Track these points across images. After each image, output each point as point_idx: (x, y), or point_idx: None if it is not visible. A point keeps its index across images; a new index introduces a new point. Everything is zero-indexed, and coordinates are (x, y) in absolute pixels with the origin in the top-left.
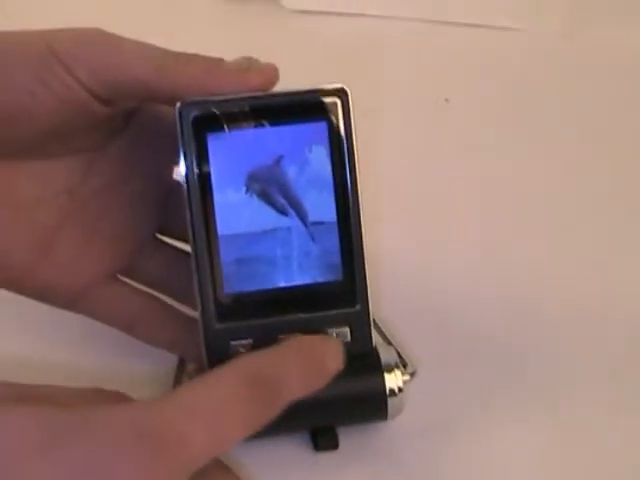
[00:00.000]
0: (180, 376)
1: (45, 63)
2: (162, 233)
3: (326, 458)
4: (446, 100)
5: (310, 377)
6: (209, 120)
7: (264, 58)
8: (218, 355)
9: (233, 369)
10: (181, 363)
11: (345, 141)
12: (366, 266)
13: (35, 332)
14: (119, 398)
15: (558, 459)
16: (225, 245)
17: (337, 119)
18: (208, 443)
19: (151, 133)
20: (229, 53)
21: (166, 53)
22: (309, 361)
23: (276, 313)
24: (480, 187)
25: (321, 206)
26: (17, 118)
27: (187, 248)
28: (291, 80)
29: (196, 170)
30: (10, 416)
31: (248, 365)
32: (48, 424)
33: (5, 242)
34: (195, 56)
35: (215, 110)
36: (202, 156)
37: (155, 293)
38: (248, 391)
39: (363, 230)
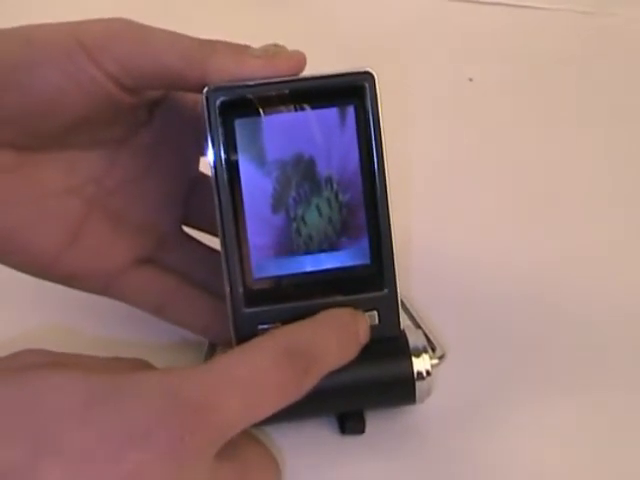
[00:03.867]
0: (210, 359)
1: (73, 58)
2: (187, 224)
3: (353, 442)
4: (470, 80)
5: (344, 347)
6: (236, 105)
7: (288, 44)
8: (247, 339)
9: (271, 339)
10: (211, 347)
11: (372, 124)
12: (394, 249)
13: (66, 305)
14: (142, 365)
15: (585, 440)
16: (253, 230)
17: (365, 102)
18: (243, 411)
19: (175, 125)
20: (249, 39)
21: (193, 41)
22: (344, 332)
23: (304, 297)
24: (507, 166)
25: (349, 190)
26: (44, 113)
27: (212, 241)
28: (315, 65)
29: (224, 155)
30: (52, 380)
31: (286, 335)
32: (87, 387)
33: (34, 232)
34: (222, 43)
35: (242, 95)
36: (230, 141)
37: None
38: (286, 360)
39: (391, 213)
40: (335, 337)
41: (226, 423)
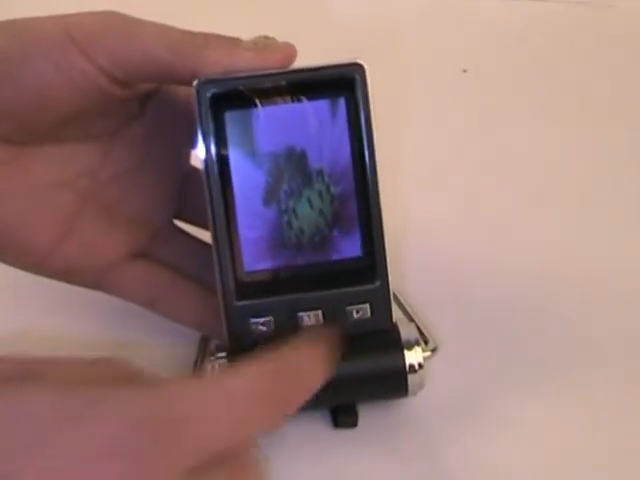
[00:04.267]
0: (202, 353)
1: (64, 52)
2: (179, 218)
3: (346, 435)
4: (464, 71)
5: (322, 375)
6: (227, 98)
7: (279, 36)
8: (239, 332)
9: (252, 365)
10: (203, 340)
11: (363, 116)
12: (386, 242)
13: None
14: (127, 368)
15: (577, 433)
16: (244, 223)
17: (355, 94)
18: (221, 438)
19: (167, 118)
20: (243, 32)
21: (184, 33)
22: (322, 359)
23: (296, 291)
24: (500, 159)
25: (340, 182)
26: (35, 107)
27: (203, 235)
28: (308, 57)
29: (214, 148)
30: (20, 397)
31: (268, 361)
32: (57, 405)
33: (27, 226)
34: (213, 35)
35: (233, 88)
36: (220, 134)
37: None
38: (267, 387)
39: (382, 205)
40: (317, 365)
41: (201, 448)
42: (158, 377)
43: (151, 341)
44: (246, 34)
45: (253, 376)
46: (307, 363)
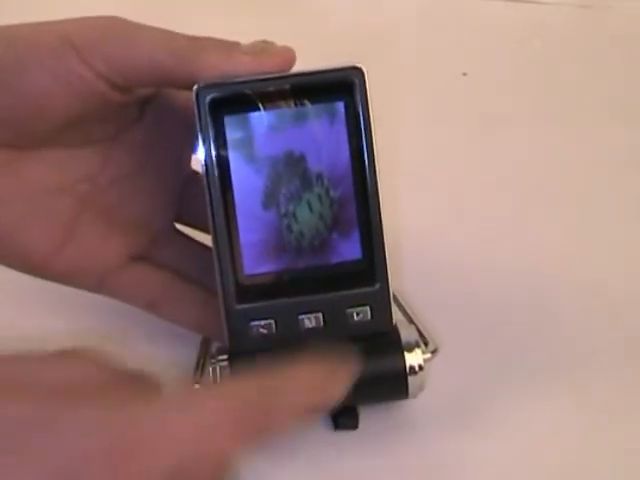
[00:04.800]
0: (203, 356)
1: (62, 59)
2: (180, 221)
3: (346, 437)
4: (464, 74)
5: (312, 407)
6: (226, 102)
7: (278, 40)
8: (239, 335)
9: (228, 388)
10: (204, 343)
11: (362, 120)
12: (385, 244)
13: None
14: (95, 360)
15: (577, 436)
16: (244, 227)
17: (354, 98)
18: (188, 460)
19: (166, 122)
20: (242, 36)
21: (182, 38)
22: (314, 393)
23: (296, 293)
24: (500, 161)
25: (340, 186)
26: (34, 113)
27: (204, 238)
28: (308, 61)
29: (214, 152)
30: None
31: (245, 386)
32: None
33: (27, 230)
34: (211, 40)
35: (232, 92)
36: (220, 138)
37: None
38: (239, 414)
39: (382, 208)
40: (297, 396)
41: (168, 469)
42: (126, 367)
43: (152, 344)
44: (245, 38)
45: (226, 396)
46: (296, 388)
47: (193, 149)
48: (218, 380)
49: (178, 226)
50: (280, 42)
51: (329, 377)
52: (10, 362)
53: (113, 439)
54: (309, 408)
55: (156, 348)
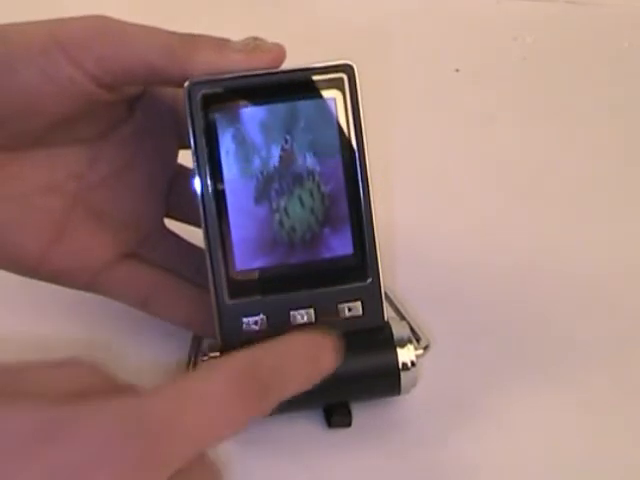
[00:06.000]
0: (194, 352)
1: (50, 59)
2: (169, 216)
3: (340, 435)
4: (456, 70)
5: (305, 376)
6: (218, 98)
7: (270, 37)
8: (231, 331)
9: (225, 364)
10: (195, 339)
11: (353, 116)
12: (377, 239)
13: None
14: (95, 371)
15: (571, 432)
16: (236, 222)
17: (345, 94)
18: (193, 439)
19: (155, 119)
20: (234, 33)
21: (172, 35)
22: (306, 360)
23: (287, 289)
24: (493, 157)
25: (330, 181)
26: (22, 113)
27: (195, 233)
28: (299, 57)
29: (205, 148)
30: None
31: (241, 360)
32: (32, 423)
33: (17, 232)
34: (202, 37)
35: (223, 88)
36: (211, 134)
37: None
38: (239, 385)
39: (373, 203)
40: (293, 364)
41: (176, 453)
42: (122, 381)
43: (143, 341)
44: (236, 35)
45: (223, 378)
46: (287, 359)
47: (183, 144)
48: None
49: (168, 223)
50: (271, 39)
51: (320, 347)
52: (11, 372)
53: (122, 447)
54: (307, 379)
55: (146, 346)
